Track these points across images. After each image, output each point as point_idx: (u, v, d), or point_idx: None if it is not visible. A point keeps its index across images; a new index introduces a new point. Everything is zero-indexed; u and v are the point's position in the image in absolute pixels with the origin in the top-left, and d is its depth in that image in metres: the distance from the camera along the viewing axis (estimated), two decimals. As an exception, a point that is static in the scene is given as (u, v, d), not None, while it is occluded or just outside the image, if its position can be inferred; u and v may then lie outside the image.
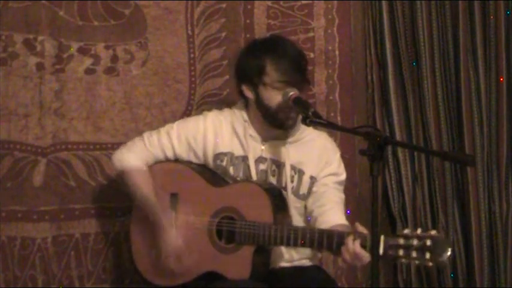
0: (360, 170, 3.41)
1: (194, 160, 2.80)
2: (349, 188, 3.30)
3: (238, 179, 2.74)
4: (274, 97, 2.67)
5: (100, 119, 3.10)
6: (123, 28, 3.13)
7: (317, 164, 2.77)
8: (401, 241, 2.30)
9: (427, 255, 2.26)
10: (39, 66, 3.01)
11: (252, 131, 2.76)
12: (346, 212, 2.74)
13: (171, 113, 3.16)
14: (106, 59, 3.11)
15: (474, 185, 3.56)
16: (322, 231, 2.51)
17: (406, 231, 2.32)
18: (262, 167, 2.75)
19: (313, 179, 2.76)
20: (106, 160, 3.07)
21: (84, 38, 3.08)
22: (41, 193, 3.01)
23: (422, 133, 3.55)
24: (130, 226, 2.84)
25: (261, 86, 2.69)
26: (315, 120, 2.53)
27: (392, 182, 3.53)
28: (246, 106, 2.80)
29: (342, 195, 2.79)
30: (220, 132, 2.78)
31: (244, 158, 2.75)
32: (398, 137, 3.50)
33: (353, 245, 2.38)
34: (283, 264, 2.75)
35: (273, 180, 2.75)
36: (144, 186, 2.75)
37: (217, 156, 2.76)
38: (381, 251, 2.30)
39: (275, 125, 2.72)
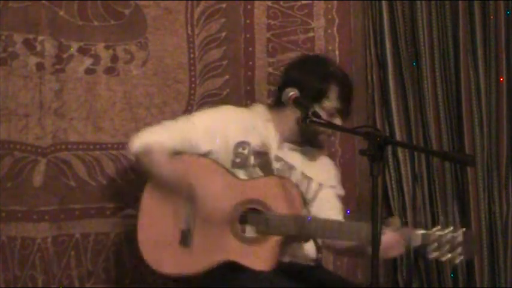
0: (360, 170, 3.41)
1: (213, 148, 2.75)
2: (349, 188, 3.30)
3: (257, 171, 2.76)
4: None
5: (100, 119, 3.10)
6: (123, 28, 3.13)
7: (321, 174, 2.86)
8: (436, 236, 2.47)
9: (459, 250, 2.45)
10: (39, 66, 3.01)
11: (272, 130, 2.82)
12: (346, 212, 2.77)
13: (171, 113, 3.16)
14: (106, 59, 3.11)
15: (474, 185, 3.56)
16: (359, 223, 2.59)
17: (436, 229, 2.50)
18: (277, 165, 2.79)
19: (320, 186, 2.83)
20: (106, 160, 3.07)
21: (84, 38, 3.08)
22: (41, 193, 3.01)
23: (422, 133, 3.55)
24: (137, 219, 2.73)
25: (315, 103, 2.75)
26: (315, 120, 2.55)
27: (392, 182, 3.52)
28: (274, 108, 2.86)
29: (342, 207, 2.87)
30: (237, 124, 2.79)
31: (264, 153, 2.78)
32: (398, 137, 3.50)
33: (393, 234, 2.51)
34: (286, 259, 2.75)
35: None
36: (169, 166, 2.69)
37: (240, 144, 2.77)
38: (418, 243, 2.51)
39: (309, 141, 2.83)
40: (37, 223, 3.00)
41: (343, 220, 2.75)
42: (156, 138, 2.73)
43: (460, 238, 2.44)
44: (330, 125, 2.85)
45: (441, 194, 3.55)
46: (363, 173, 3.39)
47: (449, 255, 2.44)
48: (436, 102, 3.54)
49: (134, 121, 3.13)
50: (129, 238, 2.95)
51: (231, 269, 2.62)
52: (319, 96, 2.77)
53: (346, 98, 2.80)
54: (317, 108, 2.73)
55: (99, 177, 3.09)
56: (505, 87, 3.60)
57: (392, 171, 3.52)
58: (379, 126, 3.48)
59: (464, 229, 2.47)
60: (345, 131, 3.09)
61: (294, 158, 2.82)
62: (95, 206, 3.09)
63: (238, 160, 2.76)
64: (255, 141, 2.79)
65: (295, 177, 2.78)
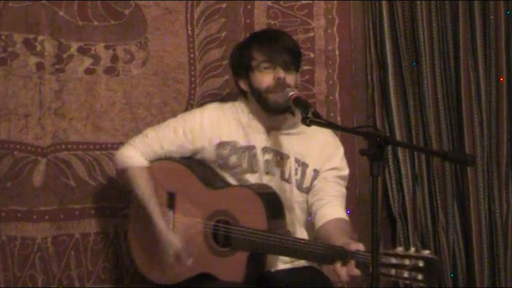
0: (360, 170, 3.40)
1: (193, 153, 2.81)
2: (349, 188, 3.28)
3: (231, 181, 2.77)
4: (262, 79, 2.71)
5: (100, 119, 3.10)
6: (123, 28, 3.13)
7: (319, 157, 2.79)
8: (394, 260, 2.26)
9: (419, 277, 2.22)
10: (39, 66, 3.01)
11: (256, 122, 2.78)
12: (346, 210, 2.76)
13: (171, 113, 3.16)
14: (106, 59, 3.11)
15: (474, 185, 3.56)
16: (323, 246, 2.48)
17: (399, 250, 2.28)
18: (267, 156, 2.77)
19: (316, 172, 2.78)
20: (106, 160, 3.07)
21: (84, 38, 3.08)
22: (41, 193, 3.01)
23: (422, 133, 3.55)
24: (128, 223, 2.88)
25: (250, 73, 2.74)
26: (315, 120, 2.54)
27: (393, 182, 3.52)
28: (247, 100, 2.83)
29: (343, 190, 2.81)
30: (220, 123, 2.80)
31: (249, 148, 2.77)
32: (398, 137, 3.50)
33: (349, 268, 2.37)
34: (280, 266, 2.75)
35: (277, 171, 2.76)
36: (144, 186, 2.78)
37: (221, 144, 2.78)
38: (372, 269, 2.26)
39: (269, 109, 2.73)
40: (37, 223, 3.00)
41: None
42: (134, 160, 2.81)
43: (421, 264, 2.21)
44: (330, 124, 2.85)
45: (441, 194, 3.55)
46: (363, 173, 3.39)
47: (408, 282, 2.25)
48: (436, 102, 3.54)
49: (134, 121, 3.14)
50: (126, 235, 2.97)
51: (206, 280, 2.65)
52: (245, 62, 2.75)
53: (273, 48, 2.70)
54: (252, 75, 2.73)
55: (99, 177, 3.09)
56: (505, 87, 3.60)
57: (392, 171, 3.52)
58: (379, 126, 3.48)
59: (427, 252, 2.23)
60: (345, 131, 3.09)
61: (286, 144, 2.77)
62: (95, 206, 3.09)
63: (220, 162, 2.78)
64: (239, 138, 2.78)
65: (289, 165, 2.75)
